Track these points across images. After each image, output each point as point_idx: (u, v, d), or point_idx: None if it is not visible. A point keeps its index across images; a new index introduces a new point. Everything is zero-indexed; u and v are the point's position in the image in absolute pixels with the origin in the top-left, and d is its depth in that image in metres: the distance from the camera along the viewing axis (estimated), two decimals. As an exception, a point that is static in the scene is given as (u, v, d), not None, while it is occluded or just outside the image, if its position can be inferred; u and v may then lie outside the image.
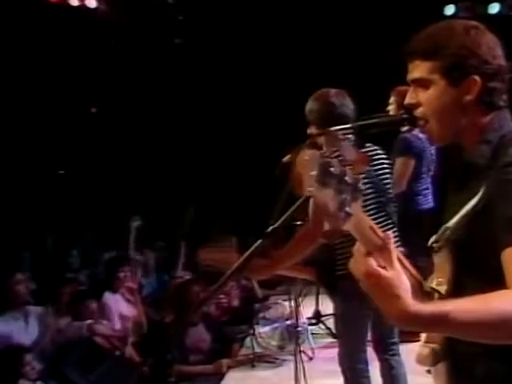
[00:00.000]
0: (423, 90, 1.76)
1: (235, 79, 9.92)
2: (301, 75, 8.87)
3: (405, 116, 1.86)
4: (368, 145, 3.70)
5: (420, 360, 1.75)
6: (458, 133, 1.77)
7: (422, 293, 1.65)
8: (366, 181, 3.47)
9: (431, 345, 1.74)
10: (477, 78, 1.69)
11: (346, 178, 1.33)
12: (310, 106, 3.70)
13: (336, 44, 8.99)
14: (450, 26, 1.76)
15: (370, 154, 3.66)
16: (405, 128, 1.65)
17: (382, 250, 1.44)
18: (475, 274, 1.59)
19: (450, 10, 8.88)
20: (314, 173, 1.30)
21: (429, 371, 1.88)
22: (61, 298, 6.28)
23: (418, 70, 1.76)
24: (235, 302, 6.84)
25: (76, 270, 7.23)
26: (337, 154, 1.39)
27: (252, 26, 9.40)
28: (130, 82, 10.19)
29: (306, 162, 1.29)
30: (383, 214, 3.65)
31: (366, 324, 3.76)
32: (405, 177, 5.27)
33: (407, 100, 1.83)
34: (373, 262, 1.42)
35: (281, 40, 9.28)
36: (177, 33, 10.38)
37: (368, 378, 3.78)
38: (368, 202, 3.49)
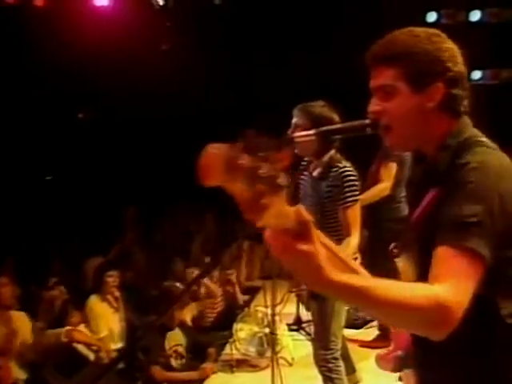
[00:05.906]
0: (387, 97, 1.75)
1: (222, 86, 9.93)
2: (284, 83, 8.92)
3: (367, 122, 1.86)
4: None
5: (378, 363, 1.77)
6: (419, 140, 1.77)
7: None
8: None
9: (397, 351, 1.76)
10: (440, 84, 1.70)
11: (261, 171, 1.32)
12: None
13: (315, 52, 9.03)
14: (414, 33, 1.75)
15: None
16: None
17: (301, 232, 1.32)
18: None
19: (431, 17, 8.90)
20: (220, 166, 1.29)
21: (400, 379, 1.90)
22: (43, 303, 6.24)
23: (382, 76, 1.76)
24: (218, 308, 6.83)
25: (58, 275, 7.16)
26: (254, 150, 1.41)
27: (238, 34, 9.45)
28: (117, 87, 10.17)
29: (212, 155, 1.28)
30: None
31: (339, 321, 3.91)
32: (390, 181, 5.33)
33: (370, 107, 1.83)
34: (288, 237, 1.31)
35: (263, 47, 9.33)
36: (164, 39, 10.37)
37: (341, 372, 3.93)
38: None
